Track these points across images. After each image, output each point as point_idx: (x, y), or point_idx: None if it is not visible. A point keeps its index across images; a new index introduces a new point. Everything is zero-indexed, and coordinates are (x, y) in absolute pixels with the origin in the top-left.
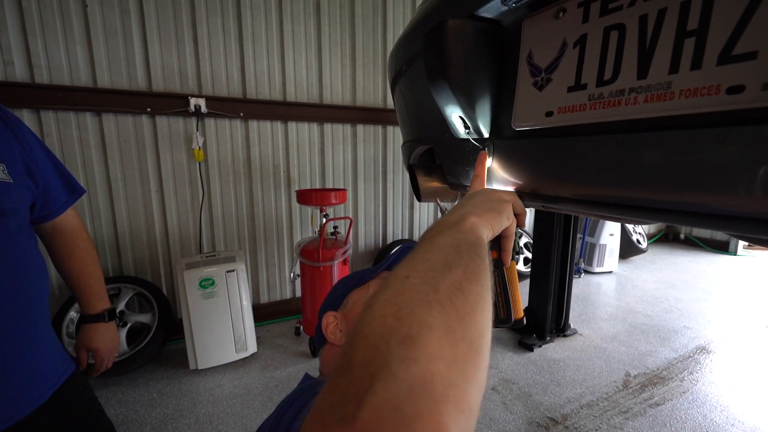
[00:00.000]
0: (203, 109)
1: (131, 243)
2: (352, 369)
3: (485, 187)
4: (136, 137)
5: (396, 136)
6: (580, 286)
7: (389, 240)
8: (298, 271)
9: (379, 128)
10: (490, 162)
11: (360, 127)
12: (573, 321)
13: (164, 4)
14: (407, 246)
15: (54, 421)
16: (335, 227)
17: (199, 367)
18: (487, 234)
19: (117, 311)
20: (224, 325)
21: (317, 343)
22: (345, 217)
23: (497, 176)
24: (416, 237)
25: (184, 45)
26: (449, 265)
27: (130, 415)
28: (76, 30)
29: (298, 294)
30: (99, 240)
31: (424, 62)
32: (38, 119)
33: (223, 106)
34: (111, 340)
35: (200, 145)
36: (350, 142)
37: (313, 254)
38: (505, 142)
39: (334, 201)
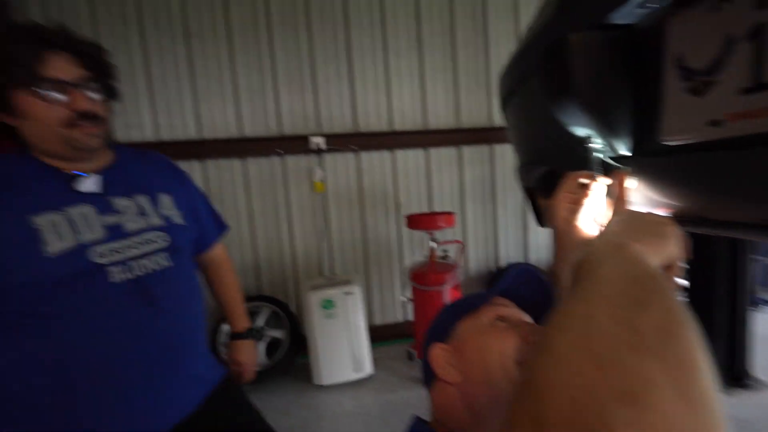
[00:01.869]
0: (322, 146)
1: (268, 266)
2: (550, 427)
3: (630, 209)
4: (271, 175)
5: (505, 154)
6: (764, 322)
7: (502, 263)
8: (409, 294)
9: (486, 148)
10: (631, 183)
11: (465, 149)
12: (758, 369)
13: (290, 59)
14: (524, 268)
15: (209, 421)
16: (445, 251)
17: (323, 383)
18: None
19: (258, 327)
20: (343, 344)
21: (425, 378)
22: (455, 241)
23: (642, 199)
24: (532, 260)
25: (307, 92)
26: (640, 302)
27: (269, 421)
28: (229, 92)
29: (409, 317)
30: (244, 263)
31: (542, 82)
32: (203, 168)
33: (339, 142)
34: (252, 354)
35: (321, 178)
36: (456, 165)
37: (424, 278)
38: (651, 159)
39: (442, 225)
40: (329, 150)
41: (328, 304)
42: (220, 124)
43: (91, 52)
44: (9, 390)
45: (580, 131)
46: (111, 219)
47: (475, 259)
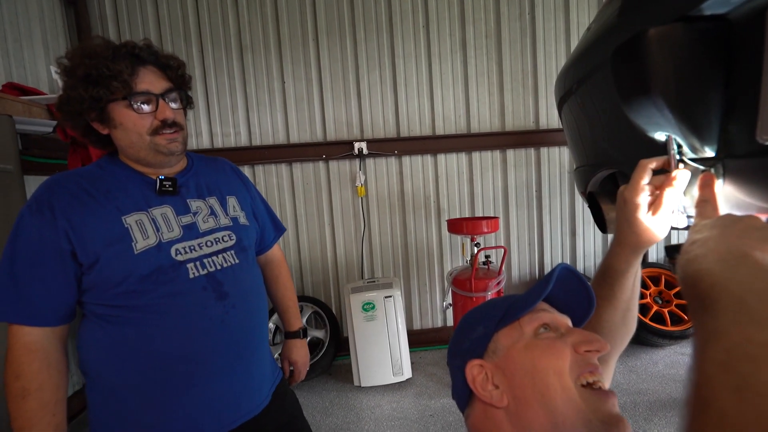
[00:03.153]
0: (365, 150)
1: (310, 267)
2: None
3: (720, 213)
4: (315, 180)
5: (551, 157)
6: None
7: (547, 270)
8: (450, 300)
9: (531, 151)
10: (720, 185)
11: (510, 152)
12: None
13: (335, 68)
14: (567, 270)
15: (271, 419)
16: (487, 257)
17: (362, 385)
18: None
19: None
20: (383, 347)
21: (458, 399)
22: (498, 246)
23: (734, 203)
24: (580, 267)
25: (351, 99)
26: None
27: (309, 419)
28: (278, 101)
29: (449, 323)
30: (288, 264)
31: (615, 80)
32: (253, 172)
33: (381, 147)
34: (305, 354)
35: (362, 182)
36: (500, 168)
37: (466, 284)
38: (745, 160)
39: (485, 230)
40: (371, 155)
41: (369, 307)
42: (270, 131)
43: (172, 65)
44: (111, 374)
45: (657, 131)
46: (187, 219)
47: (519, 266)
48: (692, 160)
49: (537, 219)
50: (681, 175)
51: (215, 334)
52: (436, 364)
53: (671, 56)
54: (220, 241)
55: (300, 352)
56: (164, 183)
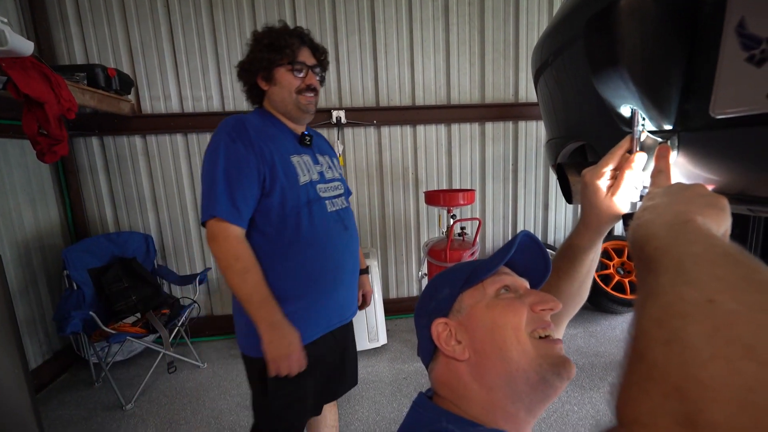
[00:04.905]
0: (343, 119)
1: None
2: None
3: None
4: None
5: (528, 131)
6: None
7: None
8: (425, 270)
9: (510, 124)
10: (674, 157)
11: (489, 125)
12: None
13: (313, 32)
14: (528, 238)
15: (350, 330)
16: (463, 228)
17: None
18: None
19: None
20: (359, 314)
21: (423, 355)
22: (474, 218)
23: (685, 174)
24: (551, 240)
25: (329, 65)
26: (750, 279)
27: None
28: None
29: None
30: None
31: (587, 51)
32: None
33: (360, 116)
34: (371, 287)
35: (341, 152)
36: (478, 141)
37: (441, 255)
38: (697, 133)
39: (462, 202)
40: (350, 124)
41: None
42: (244, 96)
43: (320, 50)
44: (287, 284)
45: (622, 104)
46: (317, 168)
47: (492, 237)
48: (651, 132)
49: (512, 192)
50: (639, 158)
51: (345, 255)
52: (411, 331)
53: (640, 28)
54: (336, 189)
55: (368, 284)
56: (305, 137)
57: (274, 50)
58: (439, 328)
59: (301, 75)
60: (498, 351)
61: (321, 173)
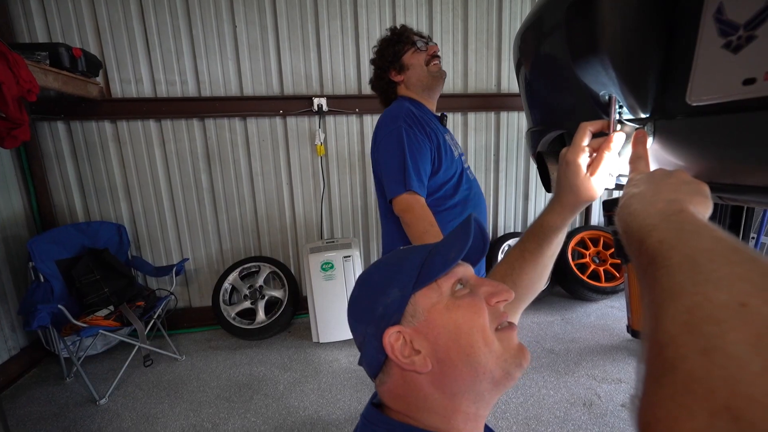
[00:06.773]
0: (324, 107)
1: (268, 227)
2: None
3: (652, 169)
4: (272, 136)
5: (510, 122)
6: None
7: (500, 232)
8: None
9: (492, 115)
10: (649, 143)
11: (471, 115)
12: None
13: (293, 15)
14: (476, 217)
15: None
16: None
17: (320, 341)
18: None
19: (257, 287)
20: (341, 305)
21: (370, 367)
22: None
23: (659, 161)
24: None
25: (309, 51)
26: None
27: (269, 374)
28: (229, 48)
29: None
30: (244, 224)
31: (567, 38)
32: (203, 126)
33: (342, 104)
34: None
35: (322, 141)
36: (461, 131)
37: None
38: (673, 121)
39: None
40: (332, 112)
41: (327, 267)
42: (221, 81)
43: (418, 32)
44: None
45: (601, 91)
46: (452, 144)
47: None
48: (628, 120)
49: (494, 182)
50: (617, 138)
51: (483, 212)
52: None
53: (621, 15)
54: (466, 160)
55: None
56: (444, 117)
57: (395, 44)
58: (392, 338)
59: (424, 48)
60: (465, 357)
61: (456, 147)
